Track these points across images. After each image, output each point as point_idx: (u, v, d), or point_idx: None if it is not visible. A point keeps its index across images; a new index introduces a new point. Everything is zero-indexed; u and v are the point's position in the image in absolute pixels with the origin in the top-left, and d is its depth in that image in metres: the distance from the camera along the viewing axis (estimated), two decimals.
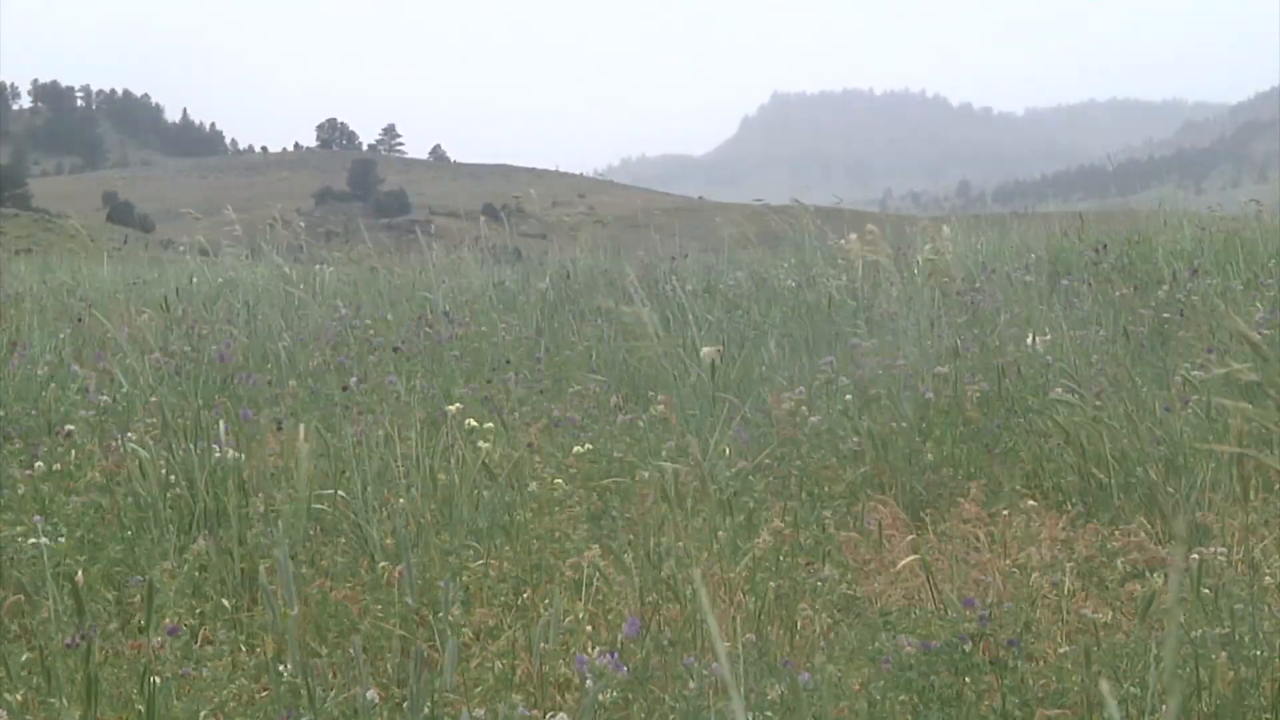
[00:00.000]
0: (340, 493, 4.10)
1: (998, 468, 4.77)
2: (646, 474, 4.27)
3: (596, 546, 3.67)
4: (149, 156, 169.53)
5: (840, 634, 3.27)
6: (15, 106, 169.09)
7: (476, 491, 4.16)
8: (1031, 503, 4.16)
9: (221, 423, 4.45)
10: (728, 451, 4.60)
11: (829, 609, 3.42)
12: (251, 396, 5.78)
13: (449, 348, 7.04)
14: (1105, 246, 9.10)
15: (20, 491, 4.09)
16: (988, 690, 2.81)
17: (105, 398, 5.43)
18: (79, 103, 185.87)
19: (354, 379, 5.92)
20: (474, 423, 4.75)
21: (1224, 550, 3.38)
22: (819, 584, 3.45)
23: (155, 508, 4.03)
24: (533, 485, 4.18)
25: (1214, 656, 2.83)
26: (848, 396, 5.38)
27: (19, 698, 2.78)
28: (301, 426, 3.74)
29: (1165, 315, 6.89)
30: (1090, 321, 6.99)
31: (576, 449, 4.60)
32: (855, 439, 4.94)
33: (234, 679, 2.85)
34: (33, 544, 3.46)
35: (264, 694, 2.94)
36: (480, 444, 4.50)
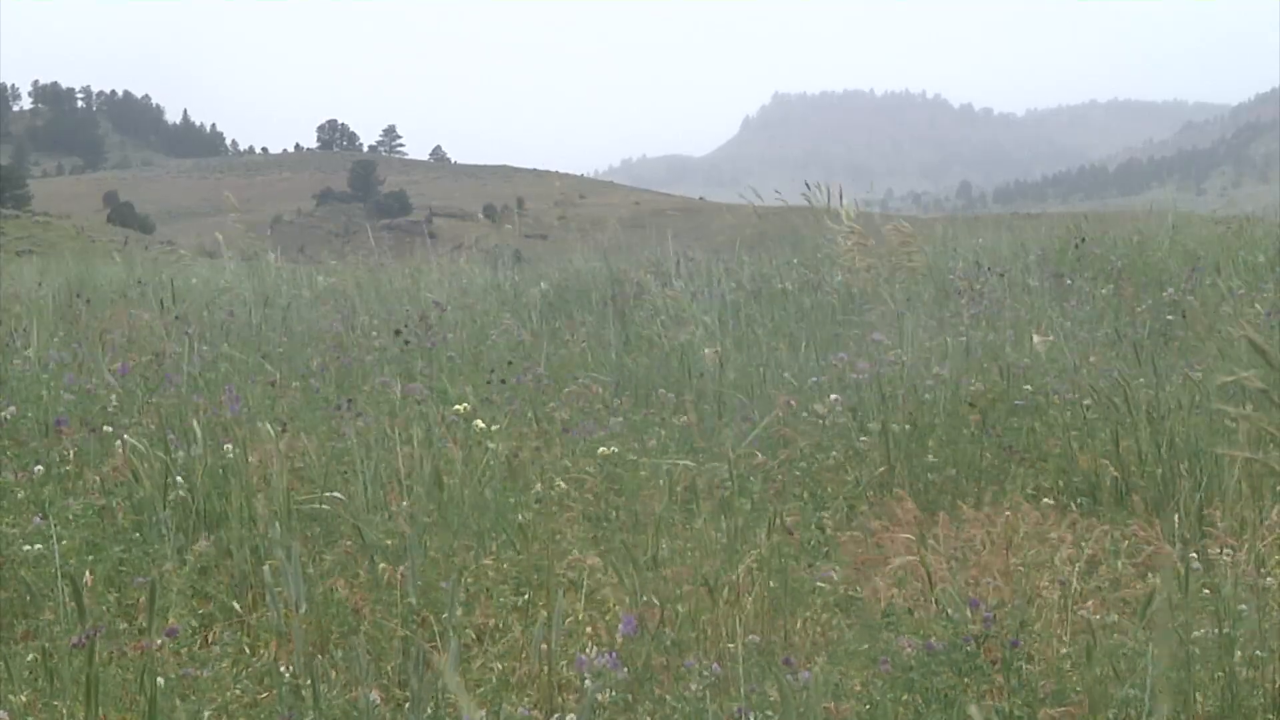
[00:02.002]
0: (338, 494, 4.10)
1: (1001, 468, 4.76)
2: (645, 472, 4.27)
3: (597, 549, 3.66)
4: (149, 157, 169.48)
5: (841, 634, 3.27)
6: (16, 107, 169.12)
7: (477, 492, 4.15)
8: (1046, 501, 4.15)
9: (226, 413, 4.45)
10: (732, 452, 4.59)
11: (830, 610, 3.42)
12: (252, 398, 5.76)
13: (447, 349, 7.04)
14: (1089, 250, 9.17)
15: (20, 495, 4.08)
16: (989, 690, 2.81)
17: (87, 401, 5.41)
18: (79, 104, 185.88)
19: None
20: (481, 423, 4.74)
21: (1231, 551, 3.37)
22: (820, 585, 3.45)
23: (155, 508, 4.03)
24: (537, 486, 4.17)
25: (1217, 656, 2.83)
26: (855, 398, 5.37)
27: (22, 699, 2.78)
28: (269, 428, 3.74)
29: (1170, 317, 6.89)
30: (1088, 321, 6.99)
31: (602, 450, 4.55)
32: (863, 438, 4.94)
33: (237, 680, 2.85)
34: (31, 548, 3.45)
35: (266, 695, 2.94)
36: (489, 445, 4.47)
